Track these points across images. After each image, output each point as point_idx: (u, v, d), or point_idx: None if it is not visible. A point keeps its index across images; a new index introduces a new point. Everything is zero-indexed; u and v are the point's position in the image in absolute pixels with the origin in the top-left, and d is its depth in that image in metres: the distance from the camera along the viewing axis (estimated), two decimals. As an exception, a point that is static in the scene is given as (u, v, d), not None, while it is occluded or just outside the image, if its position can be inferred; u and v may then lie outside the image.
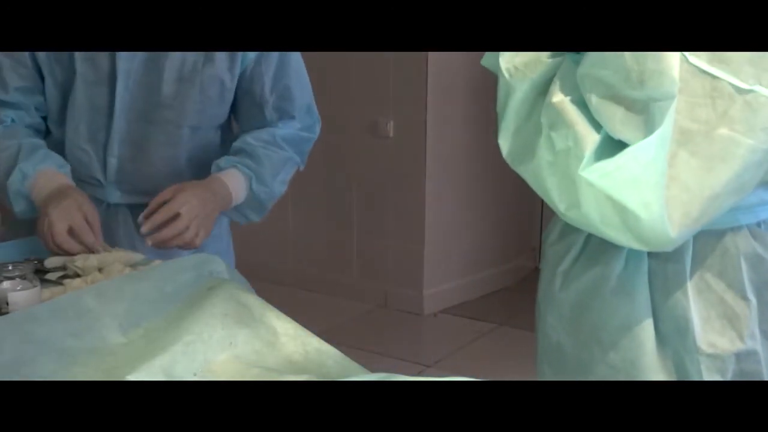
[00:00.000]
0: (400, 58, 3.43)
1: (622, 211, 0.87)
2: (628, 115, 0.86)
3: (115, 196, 1.58)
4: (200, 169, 1.58)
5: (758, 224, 1.02)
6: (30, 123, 1.56)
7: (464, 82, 3.47)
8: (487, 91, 1.04)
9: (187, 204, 1.42)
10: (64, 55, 1.49)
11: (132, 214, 1.57)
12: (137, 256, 1.38)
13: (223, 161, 1.57)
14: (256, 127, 1.63)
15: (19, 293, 1.16)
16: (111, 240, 1.50)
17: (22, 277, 1.18)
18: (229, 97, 1.60)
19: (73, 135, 1.54)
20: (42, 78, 1.53)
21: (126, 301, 1.11)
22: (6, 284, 1.17)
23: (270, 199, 1.63)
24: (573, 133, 0.89)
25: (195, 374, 1.00)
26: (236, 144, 1.61)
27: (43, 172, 1.46)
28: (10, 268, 1.20)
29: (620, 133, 0.86)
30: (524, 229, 3.94)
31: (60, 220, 1.36)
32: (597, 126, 0.89)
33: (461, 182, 3.62)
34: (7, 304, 1.15)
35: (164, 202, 1.42)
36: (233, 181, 1.55)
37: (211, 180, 1.53)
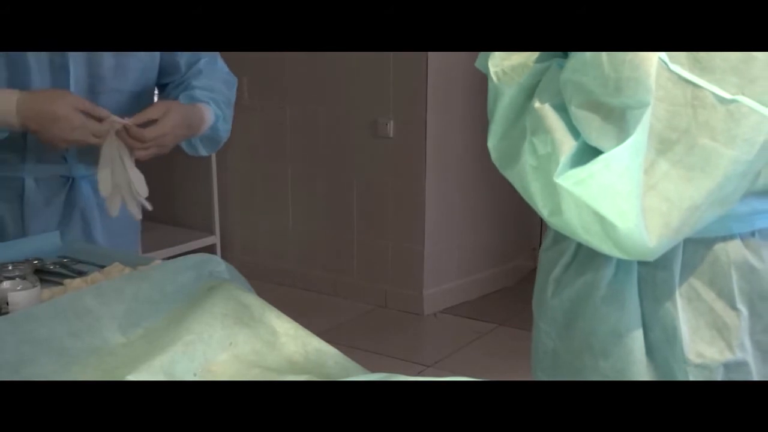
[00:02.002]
0: (400, 58, 3.43)
1: (601, 219, 0.86)
2: (604, 123, 0.84)
3: (79, 169, 1.65)
4: None
5: (752, 233, 1.00)
6: None
7: (464, 82, 3.47)
8: (487, 91, 1.04)
9: (163, 138, 1.56)
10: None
11: (92, 188, 1.65)
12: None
13: (198, 94, 1.68)
14: (175, 80, 1.75)
15: (19, 293, 1.16)
16: (70, 215, 1.64)
17: (22, 277, 1.18)
18: (157, 60, 1.71)
19: None
20: None
21: (126, 301, 1.12)
22: (6, 284, 1.17)
23: (225, 138, 1.76)
24: (551, 139, 0.89)
25: (195, 374, 1.00)
26: (195, 84, 1.70)
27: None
28: (10, 268, 1.20)
29: (596, 140, 0.85)
30: (524, 229, 3.94)
31: (67, 106, 1.46)
32: (576, 132, 0.88)
33: (461, 182, 3.62)
34: (7, 304, 1.15)
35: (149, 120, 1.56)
36: (208, 117, 1.67)
37: (195, 113, 1.64)
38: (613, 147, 0.83)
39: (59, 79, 1.57)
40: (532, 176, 0.91)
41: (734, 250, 0.99)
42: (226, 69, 1.81)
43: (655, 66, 0.83)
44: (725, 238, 1.00)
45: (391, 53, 3.39)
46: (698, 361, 1.00)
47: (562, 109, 0.89)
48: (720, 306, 1.00)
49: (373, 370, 1.01)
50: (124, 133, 1.54)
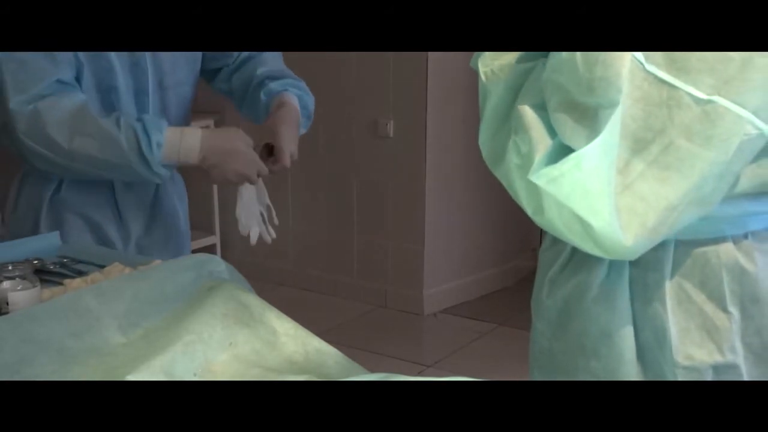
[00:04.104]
0: (400, 58, 3.42)
1: (580, 217, 0.86)
2: (578, 122, 0.85)
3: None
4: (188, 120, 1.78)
5: (744, 236, 1.00)
6: None
7: (464, 82, 3.47)
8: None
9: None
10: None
11: (174, 187, 1.76)
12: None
13: (275, 85, 1.73)
14: (228, 64, 1.79)
15: (19, 293, 1.16)
16: (161, 212, 1.72)
17: (22, 277, 1.18)
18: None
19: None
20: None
21: (126, 301, 1.12)
22: (6, 284, 1.17)
23: (313, 105, 1.80)
24: (528, 137, 0.89)
25: (195, 374, 1.00)
26: (257, 76, 1.76)
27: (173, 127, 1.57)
28: (10, 268, 1.20)
29: (569, 139, 0.85)
30: (524, 229, 3.93)
31: (248, 149, 1.58)
32: (553, 132, 0.88)
33: (461, 182, 3.61)
34: (7, 304, 1.15)
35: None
36: (295, 102, 1.72)
37: (293, 111, 1.69)
38: (583, 145, 0.83)
39: (138, 77, 1.60)
40: (516, 174, 0.92)
41: (725, 252, 0.99)
42: None
43: (627, 66, 0.84)
44: (717, 241, 0.99)
45: (391, 53, 3.39)
46: (687, 363, 0.99)
47: (542, 109, 0.90)
48: (710, 308, 0.99)
49: (373, 370, 1.01)
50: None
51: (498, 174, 0.98)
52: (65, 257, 1.44)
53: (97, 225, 1.64)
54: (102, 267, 1.34)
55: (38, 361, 1.00)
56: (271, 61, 1.80)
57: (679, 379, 0.99)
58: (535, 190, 0.88)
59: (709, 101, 0.84)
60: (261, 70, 1.76)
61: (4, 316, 1.07)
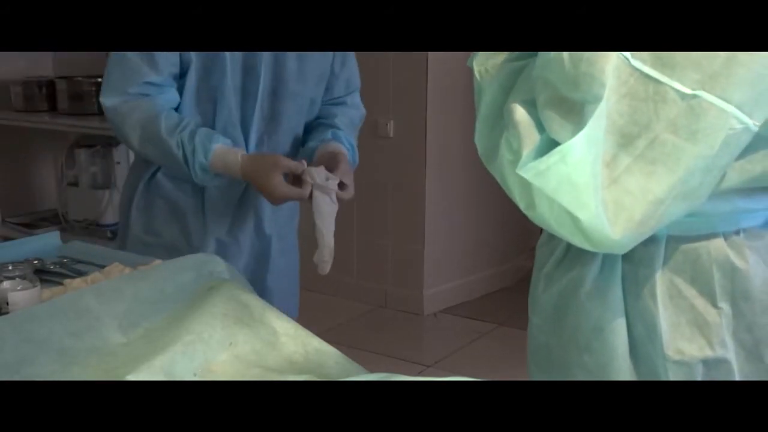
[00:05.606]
0: (400, 58, 3.42)
1: (569, 211, 0.87)
2: (565, 117, 0.86)
3: None
4: (299, 137, 1.83)
5: (736, 232, 1.00)
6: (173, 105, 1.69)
7: (464, 82, 3.47)
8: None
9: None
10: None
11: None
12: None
13: (345, 138, 1.84)
14: (326, 100, 1.87)
15: (19, 293, 1.16)
16: (245, 210, 1.76)
17: (22, 277, 1.19)
18: (328, 71, 1.82)
19: (225, 117, 1.68)
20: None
21: (126, 301, 1.12)
22: (6, 284, 1.17)
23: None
24: (517, 133, 0.90)
25: (195, 374, 1.00)
26: (335, 122, 1.86)
27: (223, 149, 1.62)
28: (10, 268, 1.20)
29: (557, 134, 0.86)
30: (524, 229, 3.94)
31: (276, 178, 1.60)
32: (542, 127, 0.89)
33: (461, 182, 3.62)
34: (7, 304, 1.15)
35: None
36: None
37: (345, 159, 1.77)
38: (569, 140, 0.83)
39: (250, 80, 1.66)
40: (509, 170, 0.93)
41: (716, 248, 1.00)
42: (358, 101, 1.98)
43: (611, 62, 0.84)
44: (708, 237, 1.00)
45: (391, 53, 3.39)
46: (677, 357, 1.00)
47: (532, 105, 0.91)
48: (701, 303, 1.00)
49: (373, 370, 1.01)
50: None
51: (493, 171, 0.99)
52: (65, 257, 1.44)
53: (182, 213, 1.72)
54: (102, 267, 1.34)
55: (38, 361, 1.00)
56: (352, 119, 1.94)
57: (669, 373, 1.00)
58: (526, 185, 0.89)
59: (694, 96, 0.85)
60: (341, 120, 1.88)
61: (4, 316, 1.07)
